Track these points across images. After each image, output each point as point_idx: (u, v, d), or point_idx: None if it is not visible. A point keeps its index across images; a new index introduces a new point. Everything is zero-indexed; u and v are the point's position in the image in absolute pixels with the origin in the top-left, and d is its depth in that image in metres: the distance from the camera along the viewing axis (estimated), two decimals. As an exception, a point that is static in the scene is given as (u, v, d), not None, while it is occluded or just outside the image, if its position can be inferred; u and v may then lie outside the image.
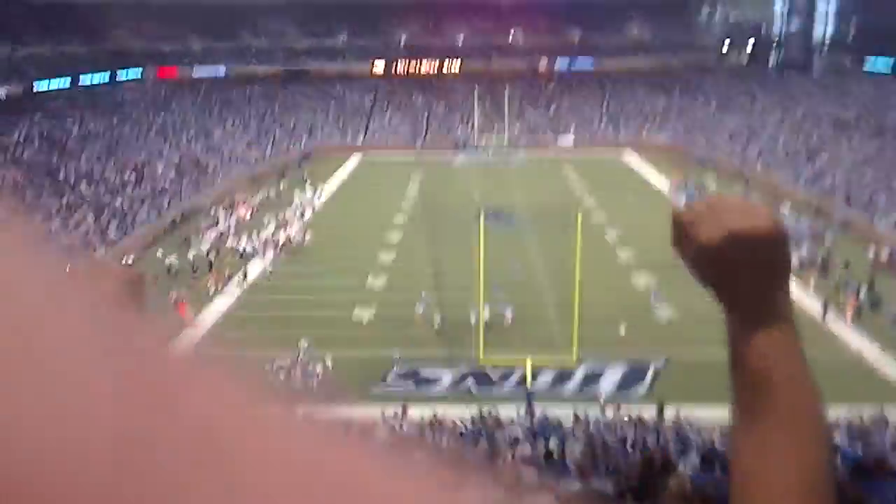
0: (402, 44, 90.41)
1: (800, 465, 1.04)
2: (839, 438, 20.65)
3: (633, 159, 70.88)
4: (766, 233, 1.08)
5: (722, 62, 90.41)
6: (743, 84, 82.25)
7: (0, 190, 43.83)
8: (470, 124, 78.50)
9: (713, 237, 1.09)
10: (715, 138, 71.10)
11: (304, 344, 29.24)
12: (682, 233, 1.16)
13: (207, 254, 42.28)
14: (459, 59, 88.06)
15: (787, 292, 1.14)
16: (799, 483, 1.02)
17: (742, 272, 1.10)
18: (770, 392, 1.08)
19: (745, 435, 1.10)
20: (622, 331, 30.22)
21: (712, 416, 24.18)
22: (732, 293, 1.13)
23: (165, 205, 51.40)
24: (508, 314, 31.96)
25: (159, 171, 56.73)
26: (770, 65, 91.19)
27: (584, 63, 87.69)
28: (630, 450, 19.87)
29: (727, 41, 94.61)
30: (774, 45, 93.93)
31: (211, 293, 37.30)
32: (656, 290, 35.84)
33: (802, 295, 35.74)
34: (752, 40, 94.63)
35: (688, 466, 14.70)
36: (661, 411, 25.07)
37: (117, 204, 48.24)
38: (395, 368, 28.25)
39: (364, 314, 34.15)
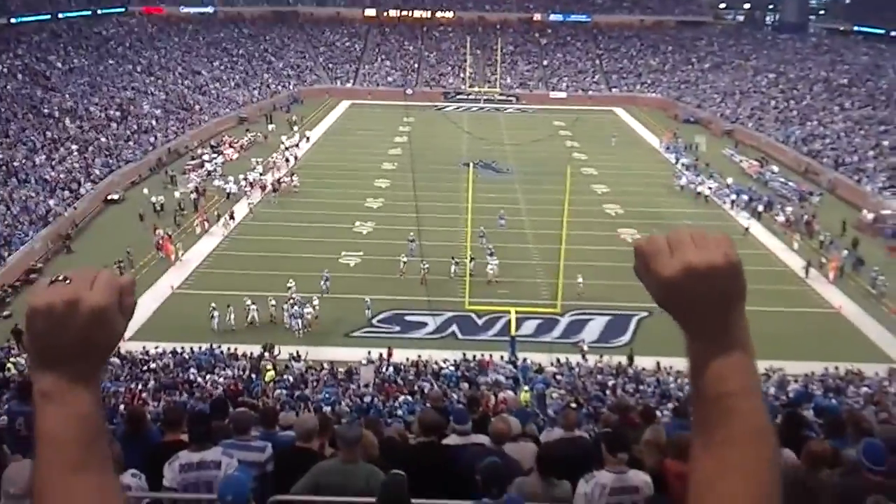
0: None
1: (752, 482, 1.12)
2: (816, 391, 21.11)
3: (624, 115, 70.66)
4: (721, 266, 1.15)
5: (717, 21, 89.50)
6: (737, 45, 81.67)
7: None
8: (462, 74, 77.79)
9: (673, 271, 1.16)
10: (706, 97, 70.88)
11: (291, 285, 29.31)
12: (644, 264, 1.22)
13: (192, 194, 41.94)
14: (452, 12, 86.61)
15: (742, 319, 1.20)
16: (750, 498, 1.11)
17: (700, 302, 1.17)
18: (727, 413, 1.16)
19: (702, 451, 1.18)
20: (580, 283, 30.29)
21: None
22: (692, 321, 1.21)
23: (151, 143, 50.77)
24: (494, 264, 31.96)
25: (145, 109, 55.88)
26: (765, 26, 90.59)
27: (579, 16, 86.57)
28: (610, 396, 20.23)
29: (723, 1, 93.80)
30: (771, 6, 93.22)
31: (198, 233, 37.14)
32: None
33: (787, 253, 36.23)
34: (747, 2, 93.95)
35: (664, 416, 15.03)
36: (630, 360, 25.53)
37: (102, 140, 47.58)
38: (368, 312, 28.26)
39: (351, 258, 34.17)
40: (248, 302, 27.88)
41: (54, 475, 1.07)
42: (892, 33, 68.18)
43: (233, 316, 27.37)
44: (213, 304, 27.46)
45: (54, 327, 1.10)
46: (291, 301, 28.19)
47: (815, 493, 5.38)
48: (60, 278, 1.13)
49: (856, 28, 74.09)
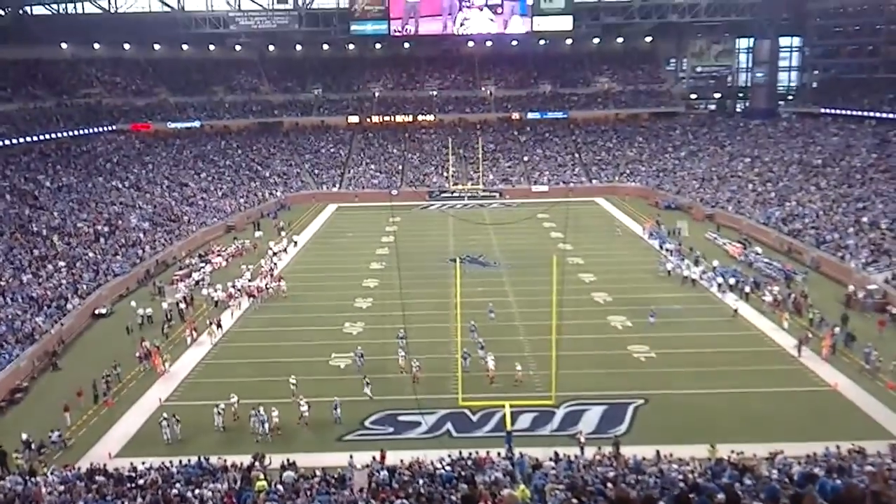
0: (376, 98, 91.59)
1: None
2: (818, 471, 20.64)
3: (606, 205, 71.84)
4: None
5: (689, 111, 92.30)
6: (710, 132, 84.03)
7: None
8: (445, 173, 79.36)
9: None
10: (685, 184, 72.35)
11: (294, 381, 30.03)
12: None
13: (179, 304, 41.84)
14: (433, 115, 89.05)
15: None
16: None
17: None
18: None
19: None
20: (519, 371, 30.88)
21: (692, 454, 24.16)
22: None
23: (139, 255, 50.97)
24: (491, 359, 31.67)
25: (133, 222, 56.39)
26: (736, 113, 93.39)
27: (556, 114, 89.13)
28: (611, 488, 19.68)
29: (694, 92, 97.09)
30: (740, 94, 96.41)
31: (188, 343, 36.82)
32: (652, 312, 37.54)
33: (777, 332, 36.16)
34: (718, 92, 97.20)
35: None
36: (617, 448, 24.95)
37: (90, 255, 47.75)
38: (336, 411, 28.03)
39: (342, 360, 33.84)
40: (218, 407, 27.91)
41: None
42: (859, 113, 70.42)
43: (178, 427, 27.31)
44: (164, 415, 27.50)
45: None
46: (298, 400, 28.48)
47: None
48: None
49: (823, 111, 76.44)
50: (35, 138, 63.55)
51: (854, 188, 56.06)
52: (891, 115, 66.11)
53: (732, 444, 24.03)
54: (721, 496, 14.08)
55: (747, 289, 42.07)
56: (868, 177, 57.10)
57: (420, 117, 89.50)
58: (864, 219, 49.61)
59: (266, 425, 27.14)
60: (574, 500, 16.83)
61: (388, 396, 29.83)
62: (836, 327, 34.70)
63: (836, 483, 18.37)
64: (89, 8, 78.26)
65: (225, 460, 24.53)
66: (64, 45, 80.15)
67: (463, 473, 22.71)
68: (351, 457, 23.71)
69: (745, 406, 28.18)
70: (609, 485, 20.71)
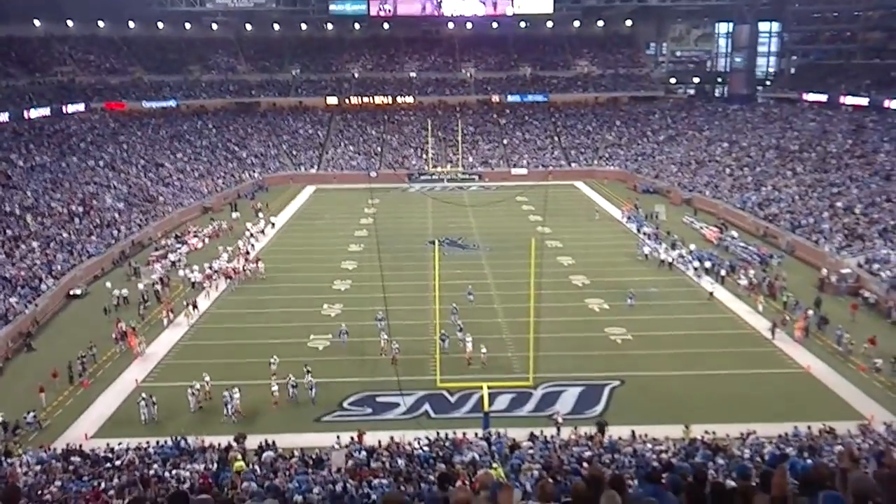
0: (355, 79, 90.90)
1: None
2: (790, 451, 21.01)
3: (585, 188, 72.06)
4: None
5: (669, 96, 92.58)
6: (689, 117, 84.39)
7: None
8: (424, 155, 79.13)
9: None
10: (663, 168, 72.72)
11: (273, 361, 30.00)
12: None
13: (155, 285, 41.50)
14: (412, 97, 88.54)
15: None
16: None
17: None
18: None
19: None
20: (484, 353, 31.15)
21: (666, 434, 24.49)
22: None
23: (114, 236, 50.41)
24: (469, 341, 31.79)
25: (108, 202, 55.69)
26: (715, 98, 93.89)
27: (536, 96, 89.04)
28: (586, 468, 19.88)
29: (673, 76, 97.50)
30: (719, 79, 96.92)
31: (165, 324, 36.57)
32: (631, 294, 37.96)
33: (752, 315, 36.62)
34: (696, 76, 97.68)
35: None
36: (601, 430, 25.20)
37: (64, 236, 47.15)
38: (311, 392, 28.13)
39: (320, 342, 33.81)
40: (192, 388, 28.01)
41: None
42: (837, 99, 71.03)
43: (155, 408, 27.28)
44: (143, 395, 27.40)
45: None
46: (277, 376, 28.51)
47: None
48: None
49: (801, 96, 76.99)
50: (7, 116, 62.42)
51: (829, 173, 56.64)
52: (867, 102, 66.76)
53: (706, 424, 24.40)
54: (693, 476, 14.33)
55: (723, 272, 42.52)
56: (843, 162, 57.70)
57: (399, 99, 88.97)
58: (839, 204, 50.19)
59: (230, 406, 27.12)
60: (550, 480, 17.01)
61: (367, 378, 29.88)
62: (809, 310, 35.20)
63: (807, 462, 18.70)
64: (62, -16, 76.68)
65: (203, 440, 24.49)
66: (37, 22, 78.46)
67: (440, 454, 22.86)
68: (338, 437, 23.80)
69: (719, 387, 28.55)
70: (584, 464, 20.96)
